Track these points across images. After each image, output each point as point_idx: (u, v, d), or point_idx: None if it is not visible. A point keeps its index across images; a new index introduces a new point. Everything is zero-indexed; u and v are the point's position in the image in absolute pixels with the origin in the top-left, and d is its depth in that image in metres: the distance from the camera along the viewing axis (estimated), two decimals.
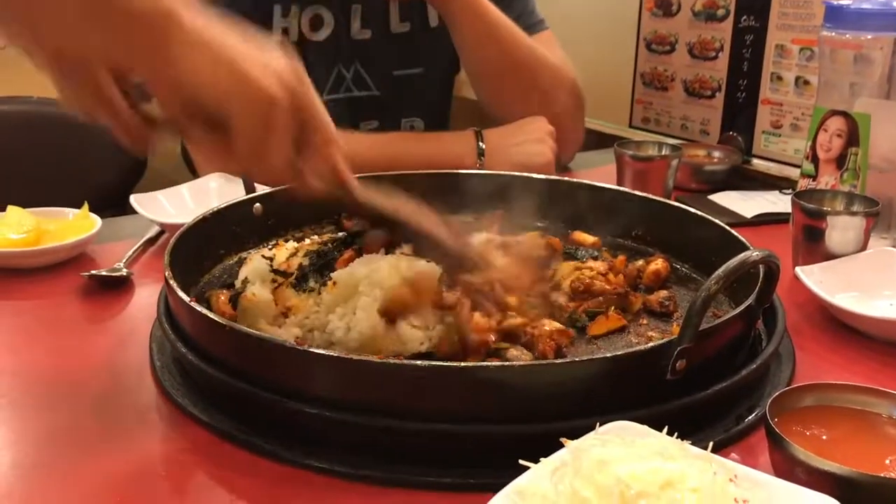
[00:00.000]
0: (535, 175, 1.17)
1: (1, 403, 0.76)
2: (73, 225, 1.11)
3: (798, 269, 0.96)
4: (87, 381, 0.80)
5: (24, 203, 1.12)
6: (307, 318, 0.80)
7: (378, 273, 0.79)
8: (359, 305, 0.78)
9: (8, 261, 1.04)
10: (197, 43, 0.64)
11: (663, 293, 0.92)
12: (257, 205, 1.04)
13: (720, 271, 0.70)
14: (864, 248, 1.00)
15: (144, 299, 0.97)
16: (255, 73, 0.65)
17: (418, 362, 0.69)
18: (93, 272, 1.00)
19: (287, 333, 0.79)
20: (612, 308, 0.87)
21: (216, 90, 0.65)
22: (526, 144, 1.38)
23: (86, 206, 1.14)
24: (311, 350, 0.68)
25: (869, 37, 1.09)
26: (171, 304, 0.82)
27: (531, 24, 1.54)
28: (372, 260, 0.83)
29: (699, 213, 1.02)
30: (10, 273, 1.03)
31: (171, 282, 0.79)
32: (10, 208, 1.10)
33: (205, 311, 0.74)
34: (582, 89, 1.54)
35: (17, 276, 1.03)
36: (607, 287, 0.90)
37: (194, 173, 1.46)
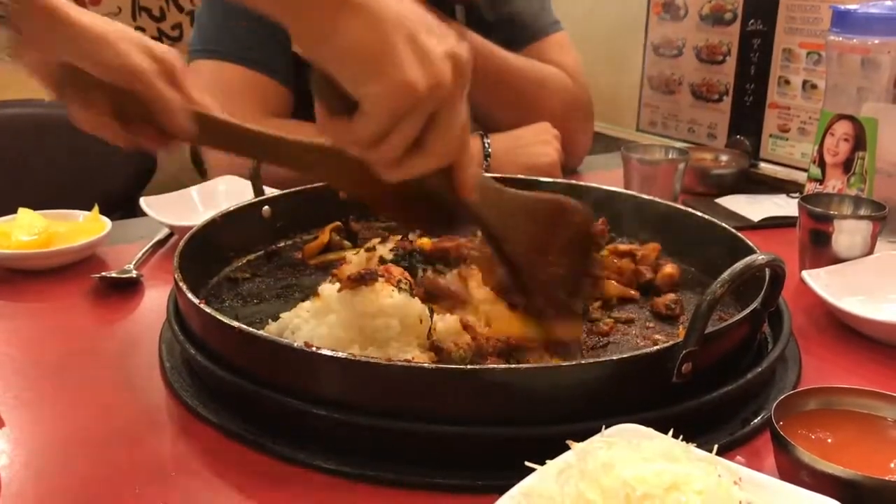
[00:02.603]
0: (543, 178, 1.17)
1: (12, 404, 0.77)
2: (83, 227, 1.12)
3: (804, 273, 0.96)
4: (97, 382, 0.81)
5: (35, 205, 1.13)
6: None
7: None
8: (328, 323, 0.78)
9: (19, 262, 1.05)
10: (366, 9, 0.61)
11: (670, 296, 0.92)
12: (266, 207, 1.05)
13: (726, 275, 0.70)
14: (870, 251, 1.00)
15: (154, 301, 0.98)
16: (407, 60, 0.61)
17: (425, 364, 0.70)
18: (103, 274, 1.01)
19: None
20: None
21: (364, 66, 0.61)
22: (531, 146, 1.39)
23: (96, 208, 1.15)
24: (320, 352, 0.69)
25: (876, 41, 1.09)
26: (180, 305, 0.83)
27: (546, 25, 1.55)
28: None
29: (706, 216, 1.02)
30: (22, 275, 1.04)
31: (181, 284, 0.79)
32: (21, 210, 1.10)
33: (214, 312, 0.75)
34: (589, 95, 1.54)
35: (28, 277, 1.04)
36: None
37: (203, 176, 1.47)
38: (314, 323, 0.79)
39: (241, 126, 0.76)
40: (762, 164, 1.51)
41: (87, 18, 0.72)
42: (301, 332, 0.78)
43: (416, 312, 0.77)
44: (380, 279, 0.78)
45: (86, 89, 0.72)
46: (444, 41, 0.64)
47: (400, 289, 0.78)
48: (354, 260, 0.90)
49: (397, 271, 0.83)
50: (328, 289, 0.80)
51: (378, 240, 0.97)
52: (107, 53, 0.71)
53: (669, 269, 0.97)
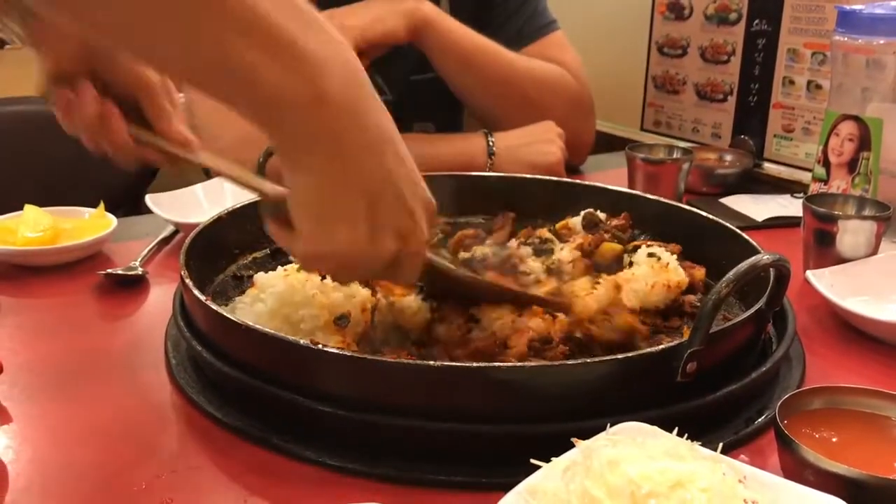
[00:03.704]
0: (545, 177, 1.18)
1: (19, 399, 0.77)
2: (89, 224, 1.12)
3: (809, 273, 0.96)
4: (103, 378, 0.82)
5: (41, 202, 1.13)
6: None
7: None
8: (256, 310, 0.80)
9: (25, 259, 1.05)
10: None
11: (691, 297, 0.90)
12: None
13: (730, 275, 0.70)
14: (874, 252, 1.01)
15: (159, 298, 0.99)
16: (384, 232, 0.63)
17: (432, 362, 0.70)
18: (109, 271, 1.02)
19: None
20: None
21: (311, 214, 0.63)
22: (535, 145, 1.39)
23: (102, 205, 1.15)
24: (326, 349, 0.69)
25: (881, 41, 1.09)
26: (186, 302, 0.83)
27: (542, 26, 1.55)
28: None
29: (710, 216, 1.02)
30: (28, 271, 1.05)
31: (188, 280, 0.80)
32: (28, 207, 1.11)
33: (220, 309, 0.75)
34: (590, 93, 1.54)
35: (35, 274, 1.04)
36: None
37: (208, 174, 1.47)
38: (248, 310, 0.81)
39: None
40: (766, 164, 1.51)
41: None
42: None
43: (353, 303, 0.80)
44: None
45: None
46: (402, 208, 0.64)
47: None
48: None
49: None
50: (262, 277, 0.83)
51: None
52: (122, 60, 0.72)
53: (698, 272, 0.95)
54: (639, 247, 0.95)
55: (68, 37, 0.71)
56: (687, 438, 0.59)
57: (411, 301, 0.82)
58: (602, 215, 1.05)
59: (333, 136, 0.59)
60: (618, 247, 0.95)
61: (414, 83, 1.53)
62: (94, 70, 0.72)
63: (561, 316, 0.81)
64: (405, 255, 0.66)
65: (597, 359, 0.70)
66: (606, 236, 0.98)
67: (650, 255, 0.91)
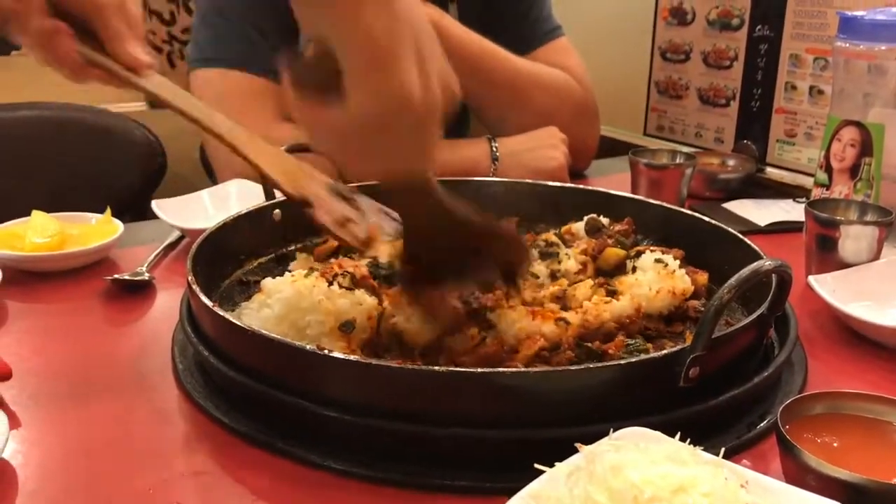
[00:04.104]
0: (549, 182, 1.18)
1: (26, 405, 0.78)
2: (95, 230, 1.13)
3: (811, 278, 0.97)
4: (110, 383, 0.82)
5: (47, 208, 1.14)
6: None
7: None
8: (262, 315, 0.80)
9: (33, 264, 1.06)
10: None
11: (694, 303, 0.91)
12: (277, 211, 1.06)
13: (733, 280, 0.71)
14: (877, 257, 1.01)
15: (166, 303, 0.99)
16: (412, 68, 0.62)
17: (436, 368, 0.70)
18: (115, 276, 1.02)
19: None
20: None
21: (374, 58, 0.61)
22: (538, 150, 1.40)
23: (108, 211, 1.16)
24: (331, 354, 0.69)
25: (883, 47, 1.10)
26: (193, 307, 0.84)
27: (547, 32, 1.56)
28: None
29: (713, 221, 1.02)
30: (35, 277, 1.05)
31: (194, 286, 0.80)
32: (35, 213, 1.12)
33: (226, 314, 0.76)
34: (595, 98, 1.55)
35: (42, 279, 1.05)
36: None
37: (213, 179, 1.48)
38: (255, 315, 0.81)
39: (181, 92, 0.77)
40: (769, 169, 1.51)
41: None
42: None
43: (359, 310, 0.80)
44: (315, 274, 0.82)
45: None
46: (439, 61, 0.65)
47: (339, 285, 0.81)
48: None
49: (348, 264, 0.87)
50: (269, 282, 0.83)
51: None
52: None
53: (701, 277, 0.95)
54: (642, 252, 0.95)
55: None
56: (689, 443, 0.59)
57: (415, 320, 0.82)
58: (605, 220, 1.05)
59: None
60: (621, 252, 0.96)
61: None
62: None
63: (574, 322, 0.81)
64: (440, 107, 0.64)
65: (599, 364, 0.70)
66: (610, 241, 0.99)
67: (657, 261, 0.91)
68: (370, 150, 0.65)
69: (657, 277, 0.89)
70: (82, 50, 0.73)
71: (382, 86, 0.61)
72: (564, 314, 0.83)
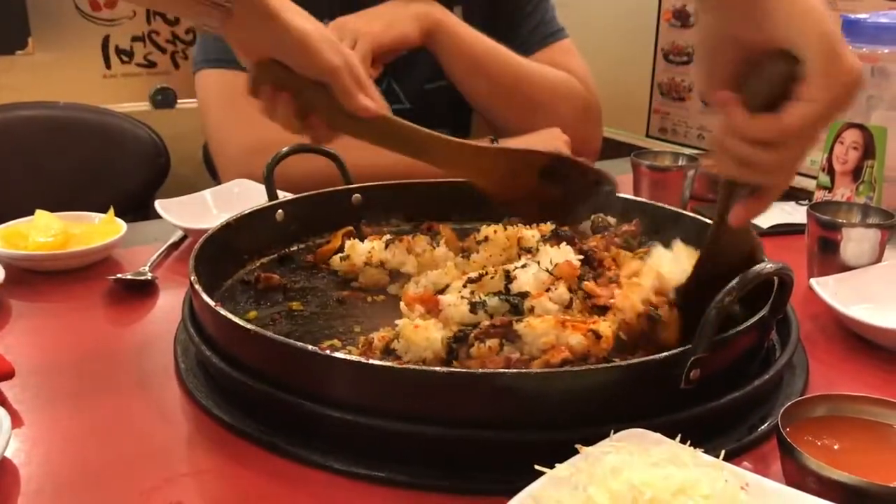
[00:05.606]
0: None
1: (30, 403, 0.78)
2: (99, 229, 1.13)
3: (813, 281, 0.97)
4: (112, 383, 0.82)
5: (51, 207, 1.14)
6: None
7: None
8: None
9: (36, 264, 1.06)
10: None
11: None
12: (279, 211, 1.06)
13: (734, 283, 0.71)
14: (878, 260, 1.01)
15: (168, 303, 0.99)
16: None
17: (437, 368, 0.71)
18: (118, 276, 1.03)
19: None
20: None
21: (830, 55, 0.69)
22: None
23: (111, 210, 1.16)
24: (333, 355, 0.70)
25: (885, 51, 1.10)
26: (195, 307, 0.84)
27: (550, 34, 1.56)
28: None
29: None
30: (39, 276, 1.06)
31: (197, 286, 0.81)
32: (38, 212, 1.12)
33: (229, 314, 0.76)
34: (598, 100, 1.55)
35: (45, 278, 1.05)
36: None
37: (216, 179, 1.49)
38: None
39: (407, 125, 0.89)
40: None
41: (290, 15, 0.82)
42: None
43: None
44: None
45: (278, 83, 0.85)
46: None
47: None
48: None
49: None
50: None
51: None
52: (308, 51, 0.83)
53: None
54: (647, 254, 0.95)
55: (255, 41, 0.83)
56: (690, 445, 0.59)
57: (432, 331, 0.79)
58: (612, 220, 1.05)
59: None
60: (627, 253, 0.96)
61: (428, 92, 1.54)
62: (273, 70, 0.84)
63: (606, 334, 0.75)
64: None
65: (600, 366, 0.70)
66: (617, 240, 0.99)
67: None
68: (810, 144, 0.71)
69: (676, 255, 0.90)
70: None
71: (833, 80, 0.69)
72: (595, 326, 0.75)
